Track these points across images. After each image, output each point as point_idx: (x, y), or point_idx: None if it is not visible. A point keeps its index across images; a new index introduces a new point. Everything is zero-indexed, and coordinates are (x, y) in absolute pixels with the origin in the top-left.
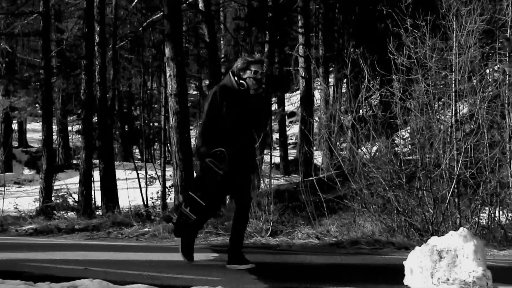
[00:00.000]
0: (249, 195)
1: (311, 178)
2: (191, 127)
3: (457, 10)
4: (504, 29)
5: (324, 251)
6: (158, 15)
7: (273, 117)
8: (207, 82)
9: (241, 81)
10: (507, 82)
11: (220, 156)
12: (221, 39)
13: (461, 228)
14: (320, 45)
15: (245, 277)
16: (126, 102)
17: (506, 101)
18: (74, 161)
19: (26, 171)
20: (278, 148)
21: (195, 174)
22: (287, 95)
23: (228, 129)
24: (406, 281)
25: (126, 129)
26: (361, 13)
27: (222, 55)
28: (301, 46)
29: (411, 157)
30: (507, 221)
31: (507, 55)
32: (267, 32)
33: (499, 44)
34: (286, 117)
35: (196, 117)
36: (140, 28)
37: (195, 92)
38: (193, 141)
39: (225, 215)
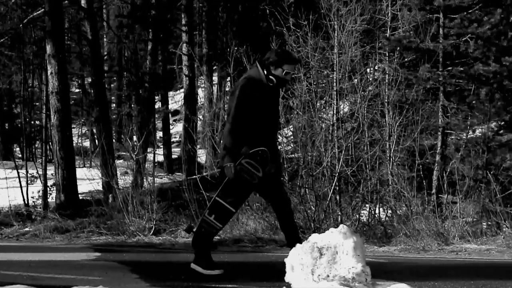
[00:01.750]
0: (285, 191)
1: (194, 176)
2: (73, 126)
3: (338, 10)
4: (384, 29)
5: None
6: (40, 11)
7: (156, 116)
8: (89, 80)
9: (270, 76)
10: (386, 81)
11: (262, 157)
12: (104, 36)
13: (341, 225)
14: (204, 44)
15: (126, 276)
16: (6, 100)
17: (386, 100)
18: None
19: None
20: (161, 146)
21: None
22: (170, 93)
23: (258, 125)
24: (287, 278)
25: (6, 127)
26: (245, 12)
27: (105, 53)
28: (184, 44)
29: (293, 155)
30: (386, 218)
31: (387, 54)
32: (150, 30)
33: (379, 44)
34: (170, 115)
35: (78, 115)
36: (21, 25)
37: (77, 90)
38: (75, 139)
39: (107, 214)
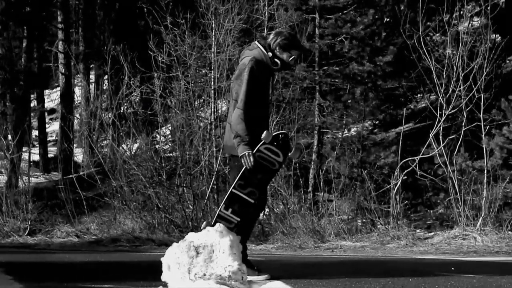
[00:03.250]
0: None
1: (71, 175)
2: None
3: (216, 9)
4: (261, 28)
5: (83, 249)
6: None
7: (32, 114)
8: None
9: (275, 59)
10: None
11: (284, 140)
12: None
13: (218, 224)
14: (81, 41)
15: (0, 277)
16: None
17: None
18: None
19: None
20: (37, 145)
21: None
22: (46, 91)
23: (259, 110)
24: (163, 278)
25: None
26: (122, 10)
27: None
28: (60, 42)
29: (171, 154)
30: (264, 216)
31: None
32: (25, 27)
33: None
34: (46, 114)
35: None
36: None
37: None
38: None
39: None
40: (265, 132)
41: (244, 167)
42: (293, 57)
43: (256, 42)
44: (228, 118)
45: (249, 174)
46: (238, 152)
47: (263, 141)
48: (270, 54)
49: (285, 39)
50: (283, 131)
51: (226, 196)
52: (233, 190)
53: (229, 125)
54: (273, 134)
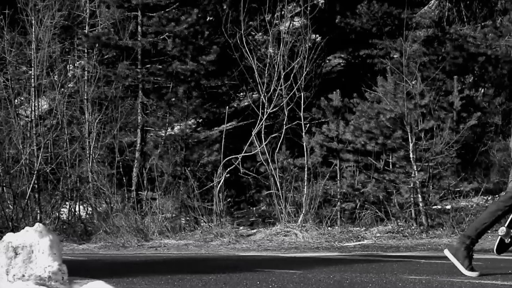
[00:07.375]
0: None
1: None
2: None
3: (35, 4)
4: (83, 25)
5: None
6: None
7: None
8: None
9: None
10: (86, 77)
11: None
12: None
13: (37, 224)
14: None
15: None
16: None
17: (85, 97)
18: None
19: None
20: None
21: None
22: None
23: None
24: None
25: None
26: None
27: None
28: None
29: None
30: (87, 215)
31: (86, 51)
32: None
33: (78, 41)
34: None
35: None
36: None
37: None
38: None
39: None
40: None
41: None
42: None
43: None
44: None
45: None
46: None
47: None
48: None
49: None
50: None
51: None
52: None
53: None
54: None
